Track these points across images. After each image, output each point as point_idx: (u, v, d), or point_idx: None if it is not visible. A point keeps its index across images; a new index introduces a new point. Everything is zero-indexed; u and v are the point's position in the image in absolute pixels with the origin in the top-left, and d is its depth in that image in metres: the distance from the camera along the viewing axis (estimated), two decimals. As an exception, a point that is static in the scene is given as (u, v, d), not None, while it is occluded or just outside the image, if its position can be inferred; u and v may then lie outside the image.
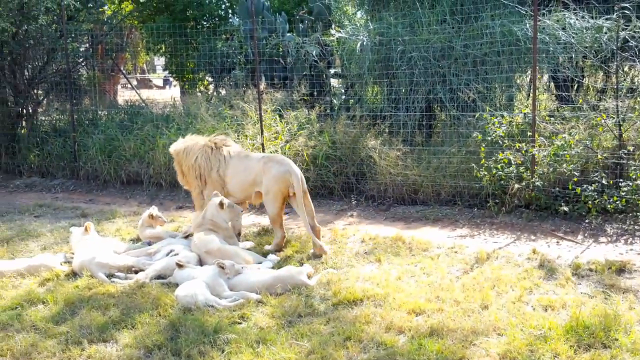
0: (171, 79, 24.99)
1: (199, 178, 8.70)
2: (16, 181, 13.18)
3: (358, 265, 7.46)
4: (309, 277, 6.88)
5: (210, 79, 16.55)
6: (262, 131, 10.89)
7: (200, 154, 8.65)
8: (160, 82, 33.11)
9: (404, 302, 6.19)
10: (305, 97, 12.15)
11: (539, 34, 9.63)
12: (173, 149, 8.94)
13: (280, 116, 11.44)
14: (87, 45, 15.67)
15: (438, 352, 5.19)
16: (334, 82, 13.75)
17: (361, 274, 7.10)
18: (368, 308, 6.14)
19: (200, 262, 7.41)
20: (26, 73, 14.35)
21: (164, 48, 17.88)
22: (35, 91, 14.59)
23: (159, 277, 7.10)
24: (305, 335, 5.60)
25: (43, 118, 14.79)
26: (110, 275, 7.21)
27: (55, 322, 6.07)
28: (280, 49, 13.48)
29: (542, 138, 9.38)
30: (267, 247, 8.26)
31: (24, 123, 14.37)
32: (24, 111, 14.32)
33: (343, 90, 13.41)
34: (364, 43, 11.30)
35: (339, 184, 10.67)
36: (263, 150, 10.74)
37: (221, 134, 9.58)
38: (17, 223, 9.71)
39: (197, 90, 16.16)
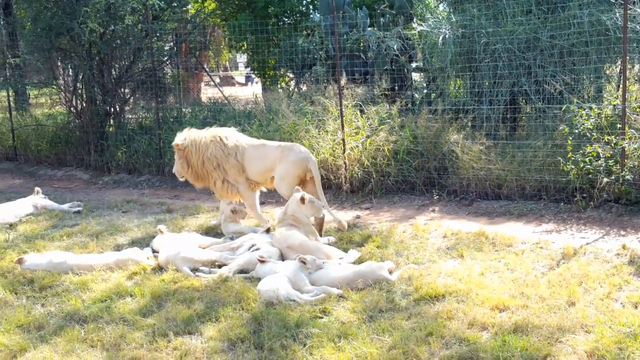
0: (253, 75, 25.24)
1: (217, 168, 9.04)
2: (105, 178, 13.57)
3: (440, 261, 7.38)
4: (390, 272, 6.84)
5: (291, 75, 16.64)
6: (342, 126, 10.88)
7: (212, 145, 9.00)
8: (242, 79, 33.49)
9: (487, 298, 6.09)
10: (386, 92, 12.07)
11: (629, 23, 9.30)
12: (178, 142, 9.11)
13: (361, 111, 11.40)
14: (172, 44, 15.98)
15: (522, 348, 5.07)
16: (415, 76, 13.61)
17: (443, 270, 7.02)
18: (450, 304, 6.06)
19: (282, 257, 7.47)
20: (113, 72, 14.73)
21: (245, 45, 18.05)
22: (122, 90, 14.98)
23: (241, 271, 7.19)
24: (387, 330, 5.57)
25: (130, 116, 15.16)
26: (194, 270, 7.34)
27: (143, 315, 6.22)
28: (361, 44, 13.43)
29: (632, 130, 9.06)
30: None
31: (111, 121, 14.76)
32: (112, 110, 14.71)
33: (425, 84, 13.27)
34: (446, 36, 11.15)
35: (421, 179, 10.56)
36: (344, 146, 10.74)
37: (223, 126, 10.03)
38: (106, 218, 9.98)
39: (279, 86, 16.25)
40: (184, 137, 9.17)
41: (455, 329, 5.53)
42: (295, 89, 15.27)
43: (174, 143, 9.17)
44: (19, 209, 10.40)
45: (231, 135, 9.21)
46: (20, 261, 7.68)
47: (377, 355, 5.15)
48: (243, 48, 18.76)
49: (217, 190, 9.24)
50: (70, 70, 15.89)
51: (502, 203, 9.73)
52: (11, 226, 9.71)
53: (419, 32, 12.04)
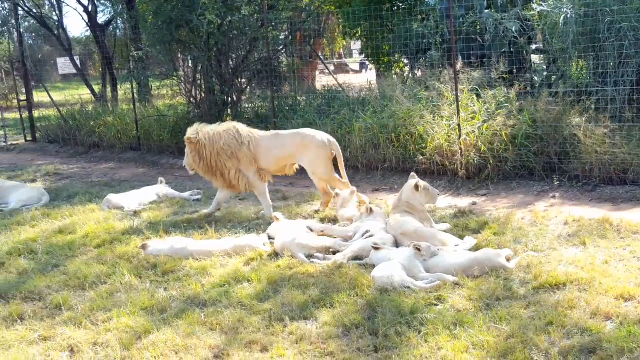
0: (367, 62, 25.18)
1: (232, 157, 9.40)
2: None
3: (561, 249, 7.14)
4: (508, 260, 6.67)
5: (405, 61, 16.49)
6: (458, 112, 10.70)
7: (226, 135, 9.39)
8: (356, 67, 33.50)
9: (611, 287, 5.84)
10: (504, 75, 11.75)
11: None
12: (191, 136, 9.46)
13: (478, 96, 11.16)
14: (287, 32, 16.14)
15: (650, 341, 4.84)
16: (534, 58, 13.19)
17: (564, 257, 6.79)
18: (572, 292, 5.86)
19: (396, 244, 7.43)
20: (230, 63, 15.03)
21: (359, 32, 18.01)
22: (239, 80, 15.26)
23: (356, 258, 7.20)
24: (504, 319, 5.44)
25: (246, 105, 15.43)
26: (309, 256, 7.40)
27: (259, 300, 6.32)
28: (478, 27, 13.14)
29: None
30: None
31: (229, 110, 15.07)
32: (229, 99, 15.02)
33: (545, 67, 12.83)
34: (568, 16, 10.72)
35: (540, 164, 10.24)
36: (460, 131, 10.56)
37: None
38: (224, 205, 10.18)
39: (393, 72, 16.14)
40: (196, 130, 9.53)
41: (577, 319, 5.34)
42: (410, 75, 15.13)
43: (185, 137, 9.52)
44: (144, 197, 10.79)
45: (243, 128, 9.61)
46: (144, 247, 7.98)
47: (494, 344, 5.04)
48: (357, 35, 18.72)
49: (230, 179, 9.54)
50: (190, 61, 16.34)
51: (628, 188, 9.30)
52: (135, 213, 10.07)
53: (538, 12, 11.63)
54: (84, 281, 7.10)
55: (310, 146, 9.37)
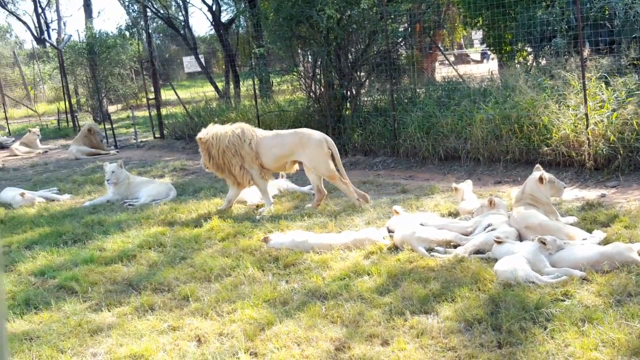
0: (489, 52, 24.71)
1: (235, 155, 10.03)
2: (342, 160, 13.89)
3: (697, 243, 6.76)
4: (640, 254, 6.38)
5: (529, 50, 16.06)
6: (585, 100, 10.31)
7: (230, 134, 10.04)
8: (477, 57, 32.92)
9: None
10: (634, 62, 11.24)
11: None
12: (201, 135, 10.23)
13: (606, 83, 10.73)
14: (406, 25, 16.04)
15: None
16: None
17: (702, 252, 6.42)
18: None
19: (520, 238, 7.25)
20: (349, 57, 15.08)
21: (481, 21, 17.69)
22: (357, 73, 15.28)
23: (477, 251, 7.08)
24: (637, 316, 5.21)
25: (365, 99, 15.45)
26: (430, 250, 7.34)
27: (380, 293, 6.32)
28: (607, 12, 12.62)
29: None
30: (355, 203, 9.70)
31: (348, 104, 15.13)
32: (348, 93, 15.07)
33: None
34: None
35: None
36: (587, 121, 10.19)
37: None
38: (344, 199, 10.25)
39: (516, 61, 15.76)
40: (206, 131, 10.25)
41: None
42: (534, 64, 14.72)
43: (197, 137, 10.21)
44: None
45: (247, 128, 10.22)
46: (266, 240, 8.14)
47: (625, 342, 4.84)
48: (478, 24, 18.39)
49: (236, 175, 10.12)
50: (309, 56, 16.50)
51: None
52: (258, 207, 10.29)
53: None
54: (210, 273, 7.31)
55: (308, 144, 9.85)
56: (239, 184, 10.24)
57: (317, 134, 10.06)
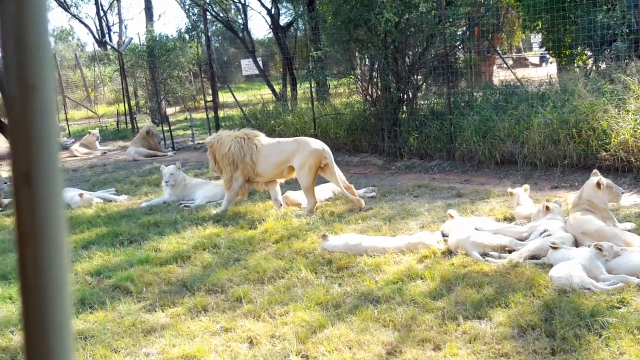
0: (548, 55, 24.35)
1: (231, 164, 10.48)
2: (397, 163, 13.93)
3: None
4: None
5: (589, 53, 15.79)
6: (646, 105, 10.11)
7: (233, 144, 10.47)
8: (536, 60, 32.46)
9: None
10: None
11: None
12: (208, 140, 10.98)
13: (668, 88, 10.49)
14: (464, 28, 15.91)
15: None
16: None
17: None
18: None
19: (576, 244, 7.14)
20: (407, 60, 15.03)
21: (540, 24, 17.44)
22: (414, 77, 15.23)
23: (532, 257, 6.99)
24: (695, 326, 5.08)
25: (422, 102, 15.38)
26: (484, 254, 7.27)
27: (433, 297, 6.29)
28: (668, 15, 12.34)
29: None
30: (298, 212, 10.11)
31: (404, 108, 15.08)
32: (405, 96, 15.02)
33: None
34: None
35: None
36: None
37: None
38: (398, 202, 10.24)
39: (575, 65, 15.50)
40: (214, 136, 10.93)
41: None
42: (593, 68, 14.46)
43: (204, 141, 10.77)
44: (320, 194, 11.03)
45: (251, 136, 10.62)
46: (324, 237, 8.17)
47: (683, 353, 4.73)
48: (537, 27, 18.14)
49: (225, 179, 10.70)
50: (367, 60, 16.51)
51: None
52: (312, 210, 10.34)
53: None
54: (263, 275, 7.38)
55: (303, 150, 10.14)
56: (229, 187, 10.70)
57: (314, 144, 10.27)
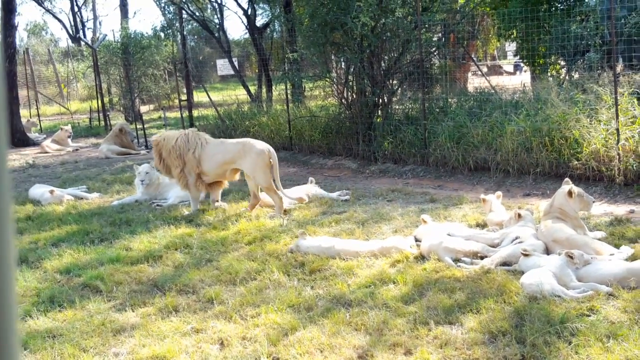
0: (522, 64, 24.59)
1: (179, 158, 10.68)
2: (371, 167, 13.96)
3: None
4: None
5: (562, 63, 15.97)
6: (617, 115, 10.23)
7: (179, 137, 10.76)
8: (510, 68, 32.77)
9: None
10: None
11: None
12: (154, 138, 11.42)
13: (639, 99, 10.62)
14: (440, 34, 16.01)
15: None
16: None
17: None
18: None
19: (547, 251, 7.20)
20: (382, 64, 15.08)
21: (515, 33, 17.62)
22: (390, 81, 15.28)
23: (504, 263, 7.05)
24: (663, 335, 5.15)
25: (397, 107, 15.44)
26: (456, 260, 7.32)
27: (405, 302, 6.31)
28: (641, 28, 12.52)
29: None
30: (271, 213, 10.19)
31: (379, 112, 15.12)
32: (380, 101, 15.06)
33: None
34: None
35: None
36: (618, 136, 10.11)
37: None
38: (372, 206, 10.27)
39: (549, 74, 15.66)
40: (160, 134, 11.34)
41: None
42: (566, 77, 14.63)
43: (151, 139, 10.96)
44: (294, 196, 11.02)
45: (195, 135, 10.87)
46: (303, 234, 8.18)
47: (650, 361, 4.79)
48: (512, 36, 18.33)
49: (175, 176, 10.88)
50: (342, 63, 16.54)
51: None
52: (285, 212, 10.33)
53: None
54: (235, 276, 7.35)
55: (250, 153, 10.29)
56: (185, 185, 10.88)
57: (260, 145, 10.47)
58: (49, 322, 6.49)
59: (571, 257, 6.44)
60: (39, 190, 12.49)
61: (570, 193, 7.63)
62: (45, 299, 7.05)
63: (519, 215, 8.00)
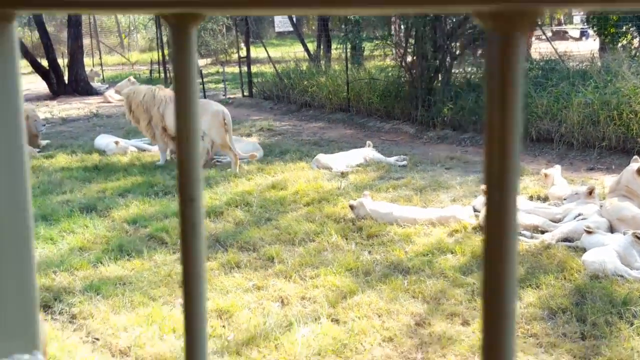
0: (589, 30, 23.99)
1: (146, 112, 11.47)
2: (430, 133, 13.83)
3: None
4: None
5: (635, 34, 15.51)
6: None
7: (146, 93, 11.53)
8: (576, 34, 31.92)
9: None
10: None
11: None
12: (124, 91, 12.62)
13: None
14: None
15: None
16: None
17: None
18: None
19: (611, 229, 7.09)
20: (445, 28, 14.85)
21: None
22: (452, 46, 15.06)
23: (565, 239, 6.97)
24: None
25: (457, 72, 15.23)
26: (516, 233, 7.24)
27: (463, 273, 6.31)
28: None
29: None
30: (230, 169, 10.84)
31: (440, 77, 14.94)
32: (441, 65, 14.88)
33: None
34: None
35: None
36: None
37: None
38: (429, 173, 10.20)
39: (619, 45, 15.23)
40: (131, 87, 12.64)
41: None
42: (639, 49, 14.23)
43: (122, 92, 12.50)
44: (351, 159, 11.02)
45: (162, 92, 11.56)
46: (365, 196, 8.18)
47: None
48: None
49: (142, 129, 11.75)
50: (404, 25, 16.33)
51: None
52: (343, 175, 10.33)
53: None
54: (294, 237, 7.44)
55: (205, 113, 10.85)
56: (154, 138, 11.74)
57: (215, 105, 11.28)
58: (119, 269, 6.69)
59: (638, 237, 6.33)
60: (104, 141, 12.74)
61: (639, 171, 7.48)
62: (114, 247, 7.26)
63: (592, 193, 7.85)
